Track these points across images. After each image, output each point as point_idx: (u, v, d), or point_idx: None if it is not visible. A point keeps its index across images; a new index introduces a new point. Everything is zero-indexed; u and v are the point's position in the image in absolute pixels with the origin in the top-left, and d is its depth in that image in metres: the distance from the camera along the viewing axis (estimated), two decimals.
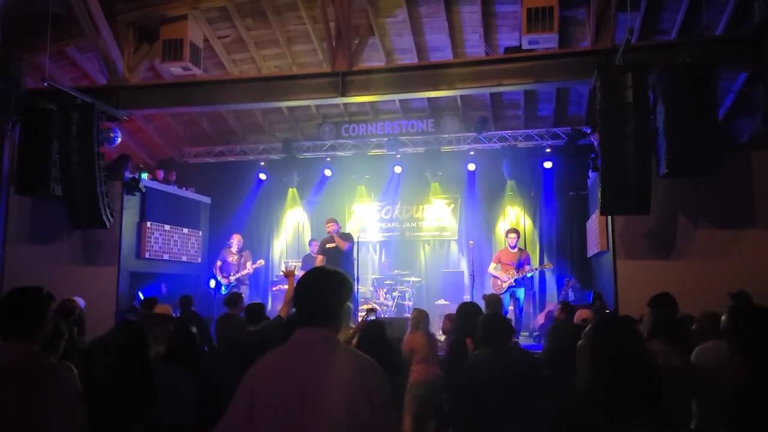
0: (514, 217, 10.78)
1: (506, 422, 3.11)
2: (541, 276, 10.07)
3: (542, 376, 3.42)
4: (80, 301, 6.68)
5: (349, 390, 1.81)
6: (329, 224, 8.60)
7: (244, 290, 9.31)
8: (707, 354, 3.24)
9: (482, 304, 5.61)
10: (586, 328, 1.98)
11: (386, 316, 8.99)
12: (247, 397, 1.85)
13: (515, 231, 8.77)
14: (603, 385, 1.75)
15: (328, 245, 8.47)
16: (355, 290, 8.66)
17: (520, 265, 8.40)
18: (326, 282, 1.99)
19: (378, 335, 3.93)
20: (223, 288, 9.37)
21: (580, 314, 5.03)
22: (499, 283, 8.46)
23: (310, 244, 10.13)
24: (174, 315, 6.27)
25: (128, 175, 8.41)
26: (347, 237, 8.51)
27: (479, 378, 3.31)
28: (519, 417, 3.11)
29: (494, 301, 5.75)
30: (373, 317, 5.60)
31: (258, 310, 5.08)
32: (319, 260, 8.49)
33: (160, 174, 9.86)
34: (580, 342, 2.93)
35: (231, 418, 1.86)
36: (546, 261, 9.83)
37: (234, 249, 9.54)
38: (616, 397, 1.70)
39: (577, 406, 1.80)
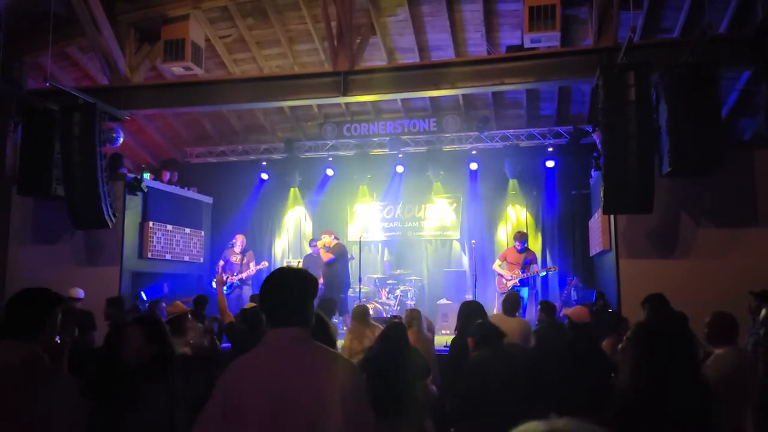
0: (516, 217, 10.77)
1: (508, 422, 3.10)
2: (543, 275, 10.05)
3: (542, 375, 3.41)
4: (79, 292, 6.68)
5: (323, 389, 1.80)
6: (322, 237, 9.18)
7: (246, 291, 9.30)
8: (724, 361, 3.17)
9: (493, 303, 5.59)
10: (629, 332, 1.99)
11: (388, 315, 8.98)
12: (221, 400, 1.85)
13: (523, 235, 8.71)
14: (653, 389, 1.74)
15: (322, 260, 9.02)
16: (346, 291, 9.01)
17: (525, 264, 8.40)
18: (290, 281, 1.98)
19: (399, 337, 3.87)
20: (224, 287, 9.35)
21: (579, 314, 4.79)
22: (503, 281, 8.47)
23: (310, 244, 10.13)
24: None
25: (129, 174, 8.42)
26: (332, 249, 8.97)
27: (480, 378, 3.30)
28: (521, 416, 3.10)
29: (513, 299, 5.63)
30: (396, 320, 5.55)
31: (253, 315, 4.77)
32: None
33: (166, 175, 9.86)
34: (621, 345, 2.89)
35: (205, 420, 1.86)
36: (550, 263, 9.83)
37: (237, 249, 9.52)
38: (665, 401, 1.70)
39: (624, 409, 1.79)
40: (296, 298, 1.95)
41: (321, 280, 8.85)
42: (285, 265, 11.08)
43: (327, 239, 9.04)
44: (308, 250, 10.17)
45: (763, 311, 2.71)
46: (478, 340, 3.67)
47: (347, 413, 1.79)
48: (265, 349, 1.93)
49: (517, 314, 5.48)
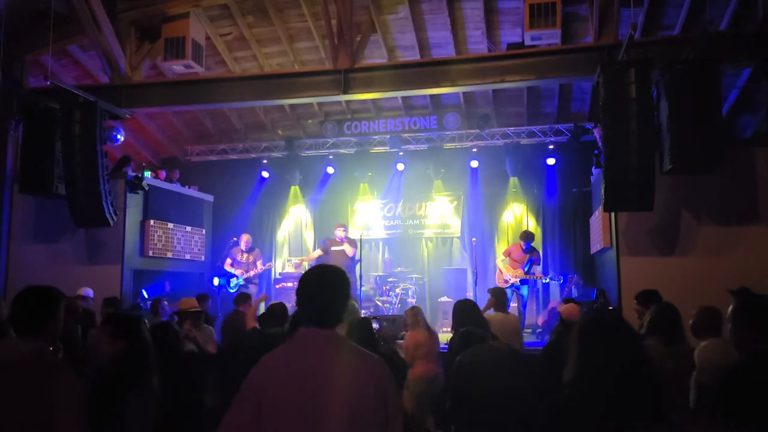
0: (517, 214, 10.77)
1: (501, 420, 3.12)
2: (544, 273, 10.06)
3: (531, 372, 3.44)
4: (89, 292, 6.70)
5: (361, 388, 1.81)
6: (339, 228, 9.35)
7: (253, 289, 9.30)
8: (710, 352, 3.22)
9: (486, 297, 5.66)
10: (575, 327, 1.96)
11: (390, 313, 9.00)
12: (254, 398, 1.83)
13: (529, 235, 8.69)
14: (593, 385, 1.72)
15: (334, 247, 9.14)
16: (358, 290, 9.04)
17: (528, 264, 8.41)
18: (334, 282, 1.98)
19: (366, 334, 3.81)
20: (233, 282, 9.31)
21: (568, 312, 4.73)
22: (504, 278, 8.48)
23: (322, 242, 10.14)
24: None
25: (130, 173, 8.42)
26: (354, 242, 9.22)
27: (466, 378, 3.33)
28: (513, 414, 3.11)
29: (498, 293, 5.72)
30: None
31: (280, 312, 4.80)
32: (316, 254, 9.55)
33: (162, 174, 9.85)
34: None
35: (235, 419, 1.83)
36: (551, 266, 9.87)
37: (243, 248, 9.51)
38: (608, 398, 1.67)
39: (565, 407, 1.78)
40: (337, 299, 1.96)
41: None
42: (287, 263, 11.13)
43: (343, 232, 9.24)
44: (309, 248, 10.17)
45: (731, 307, 2.76)
46: (464, 342, 3.70)
47: (388, 413, 1.81)
48: (299, 347, 1.93)
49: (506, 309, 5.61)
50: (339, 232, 9.29)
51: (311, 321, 1.94)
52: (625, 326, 1.86)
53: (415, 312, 5.27)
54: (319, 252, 9.56)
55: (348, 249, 9.05)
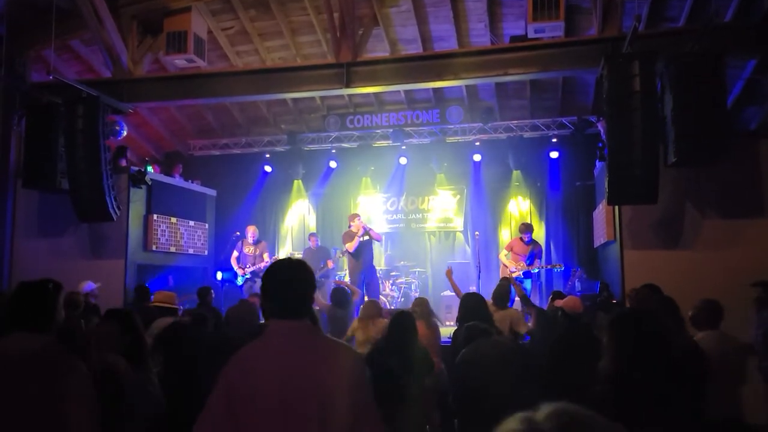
0: (520, 208, 10.75)
1: (504, 415, 3.11)
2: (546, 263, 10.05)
3: (532, 364, 3.44)
4: (90, 286, 6.67)
5: (330, 378, 1.81)
6: (357, 219, 8.86)
7: (259, 283, 9.25)
8: (707, 342, 3.27)
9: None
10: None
11: (393, 307, 9.00)
12: (224, 393, 1.84)
13: (528, 226, 8.69)
14: (628, 378, 1.75)
15: (362, 238, 8.71)
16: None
17: (531, 257, 8.40)
18: (300, 274, 1.98)
19: (405, 327, 3.83)
20: (239, 279, 9.25)
21: (572, 306, 4.73)
22: (508, 272, 8.47)
23: (309, 239, 10.13)
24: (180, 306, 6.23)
25: (133, 167, 8.43)
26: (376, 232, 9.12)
27: (470, 371, 3.33)
28: (517, 408, 3.10)
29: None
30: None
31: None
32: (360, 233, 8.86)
33: (157, 168, 9.84)
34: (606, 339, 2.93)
35: (209, 415, 1.84)
36: (554, 255, 9.83)
37: (250, 240, 9.46)
38: (643, 390, 1.70)
39: (601, 400, 1.80)
40: (304, 289, 1.97)
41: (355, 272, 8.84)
42: (287, 257, 11.14)
43: (358, 220, 8.87)
44: (307, 244, 10.16)
45: None
46: (468, 337, 3.70)
47: (354, 402, 1.80)
48: (270, 340, 1.93)
49: (508, 305, 5.60)
50: (359, 222, 8.82)
51: (276, 314, 1.94)
52: (654, 318, 1.91)
53: (419, 304, 5.26)
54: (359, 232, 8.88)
55: (376, 236, 9.03)
